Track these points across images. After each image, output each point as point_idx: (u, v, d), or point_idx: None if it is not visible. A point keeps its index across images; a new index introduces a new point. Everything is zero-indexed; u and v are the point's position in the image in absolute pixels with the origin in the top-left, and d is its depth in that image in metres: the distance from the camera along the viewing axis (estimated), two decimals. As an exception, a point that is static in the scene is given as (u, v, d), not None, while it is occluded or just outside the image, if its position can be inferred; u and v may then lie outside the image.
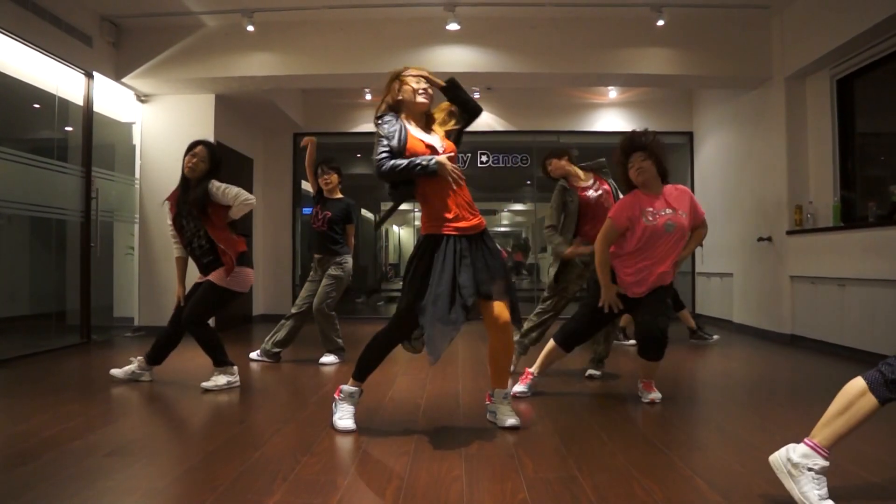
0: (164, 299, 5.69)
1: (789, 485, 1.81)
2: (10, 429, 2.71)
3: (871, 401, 1.74)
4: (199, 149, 3.61)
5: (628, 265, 3.11)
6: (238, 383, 3.64)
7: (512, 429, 2.66)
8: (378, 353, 2.74)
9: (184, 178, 3.63)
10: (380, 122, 2.69)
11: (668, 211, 3.04)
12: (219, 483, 2.02)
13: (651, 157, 3.04)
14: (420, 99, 2.74)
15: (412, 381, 3.78)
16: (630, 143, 3.09)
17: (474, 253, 2.65)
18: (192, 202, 3.52)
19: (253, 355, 4.55)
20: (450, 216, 2.65)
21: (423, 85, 2.75)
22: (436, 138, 2.76)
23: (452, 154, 2.72)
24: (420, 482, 2.05)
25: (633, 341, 5.30)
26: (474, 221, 2.69)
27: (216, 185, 3.56)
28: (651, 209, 3.03)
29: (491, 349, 2.74)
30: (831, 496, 1.75)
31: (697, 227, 3.18)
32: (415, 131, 2.72)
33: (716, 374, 4.25)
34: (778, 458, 1.85)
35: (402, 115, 2.75)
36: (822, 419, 1.82)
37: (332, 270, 4.47)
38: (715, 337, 5.56)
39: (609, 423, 2.86)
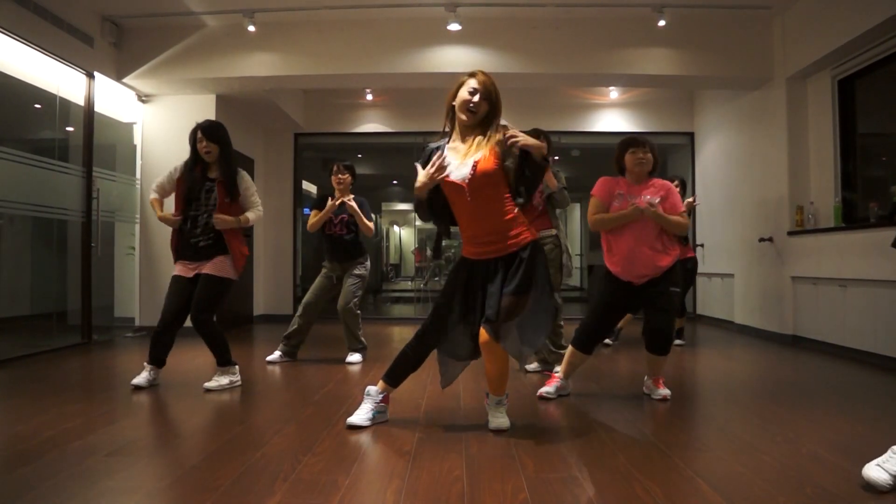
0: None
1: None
2: (11, 429, 2.71)
3: None
4: (204, 142, 3.54)
5: (615, 251, 3.19)
6: (240, 383, 3.65)
7: (497, 431, 2.64)
8: (406, 363, 2.81)
9: (195, 156, 3.58)
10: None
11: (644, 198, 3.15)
12: (220, 483, 2.02)
13: (652, 153, 3.24)
14: (462, 115, 2.62)
15: (413, 382, 3.74)
16: (636, 139, 3.29)
17: (495, 275, 2.59)
18: (225, 176, 3.54)
19: (271, 358, 4.53)
20: (467, 238, 2.67)
21: (474, 98, 2.60)
22: (468, 163, 2.54)
23: (476, 172, 2.52)
24: (421, 482, 2.05)
25: (608, 341, 5.30)
26: (490, 248, 2.60)
27: (247, 182, 3.63)
28: (623, 192, 3.18)
29: (484, 365, 2.73)
30: (833, 495, 1.75)
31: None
32: (452, 163, 2.57)
33: (717, 375, 4.25)
34: None
35: (453, 133, 2.68)
36: None
37: (357, 270, 4.56)
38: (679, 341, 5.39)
39: (610, 423, 2.85)
